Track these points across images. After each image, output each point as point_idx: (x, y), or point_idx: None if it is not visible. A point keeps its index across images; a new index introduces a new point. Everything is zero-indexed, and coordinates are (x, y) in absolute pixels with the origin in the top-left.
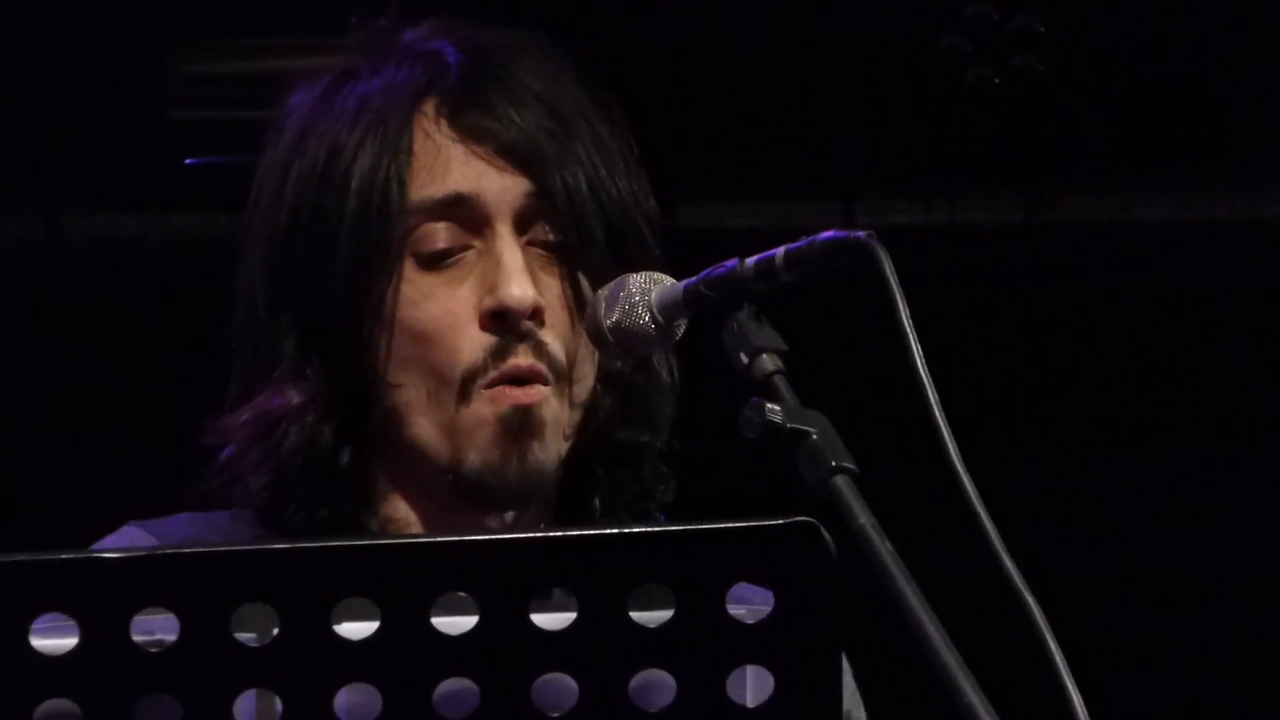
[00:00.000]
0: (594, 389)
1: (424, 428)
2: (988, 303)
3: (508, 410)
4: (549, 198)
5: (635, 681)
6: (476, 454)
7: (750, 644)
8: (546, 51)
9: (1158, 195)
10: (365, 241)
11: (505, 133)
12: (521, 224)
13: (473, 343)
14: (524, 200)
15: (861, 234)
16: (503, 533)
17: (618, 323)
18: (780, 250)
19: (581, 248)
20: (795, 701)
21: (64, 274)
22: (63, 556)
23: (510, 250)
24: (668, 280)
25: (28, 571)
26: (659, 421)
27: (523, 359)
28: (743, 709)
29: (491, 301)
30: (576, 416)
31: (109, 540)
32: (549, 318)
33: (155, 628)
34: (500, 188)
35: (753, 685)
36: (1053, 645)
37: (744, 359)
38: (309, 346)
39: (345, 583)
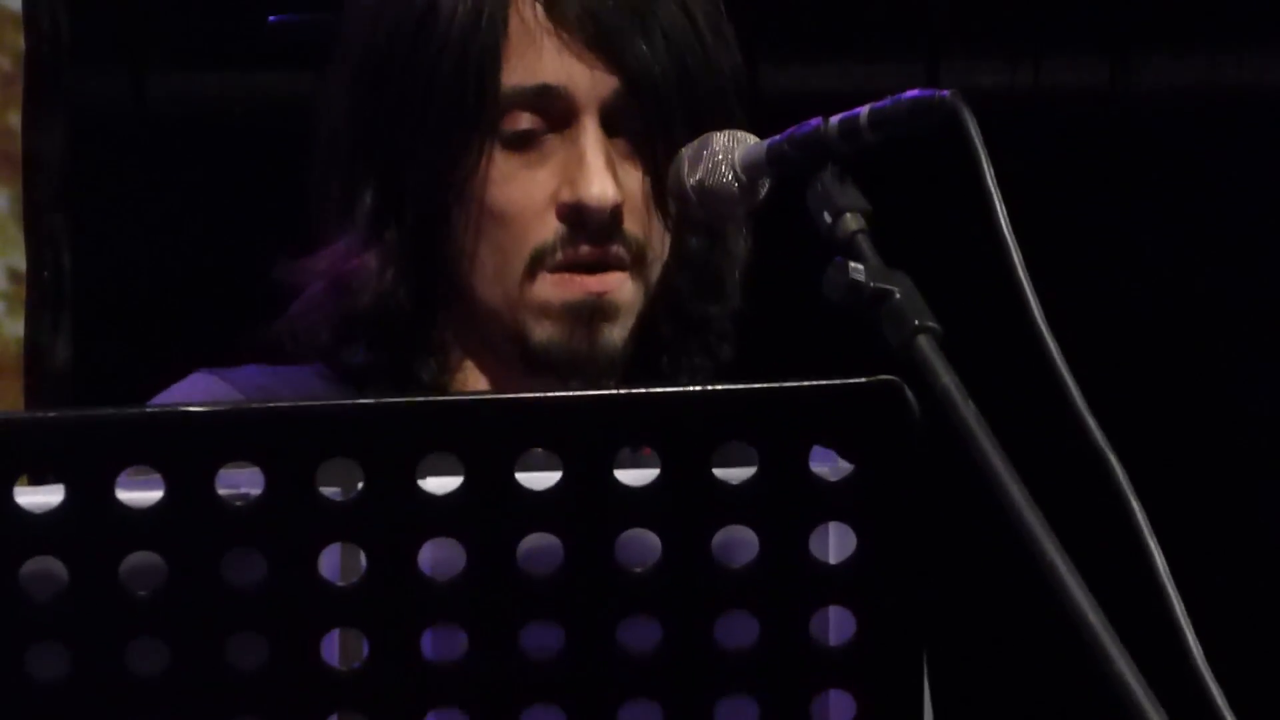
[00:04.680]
0: (666, 267)
1: (492, 298)
2: (1072, 164)
3: (579, 297)
4: (637, 94)
5: (718, 538)
6: (543, 331)
7: (833, 501)
8: None
9: (1245, 58)
10: (453, 120)
11: (598, 24)
12: (608, 119)
13: (545, 226)
14: (612, 96)
15: (946, 93)
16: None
17: (701, 181)
18: (864, 109)
19: (667, 145)
20: (877, 556)
21: (147, 132)
22: (148, 410)
23: (594, 147)
24: (751, 139)
25: (113, 426)
26: (730, 293)
27: (596, 245)
28: (825, 565)
29: (570, 196)
30: (647, 296)
31: (180, 387)
32: (627, 208)
33: (240, 482)
34: (590, 83)
35: (835, 542)
36: (1133, 500)
37: (828, 219)
38: (387, 208)
39: (429, 438)
